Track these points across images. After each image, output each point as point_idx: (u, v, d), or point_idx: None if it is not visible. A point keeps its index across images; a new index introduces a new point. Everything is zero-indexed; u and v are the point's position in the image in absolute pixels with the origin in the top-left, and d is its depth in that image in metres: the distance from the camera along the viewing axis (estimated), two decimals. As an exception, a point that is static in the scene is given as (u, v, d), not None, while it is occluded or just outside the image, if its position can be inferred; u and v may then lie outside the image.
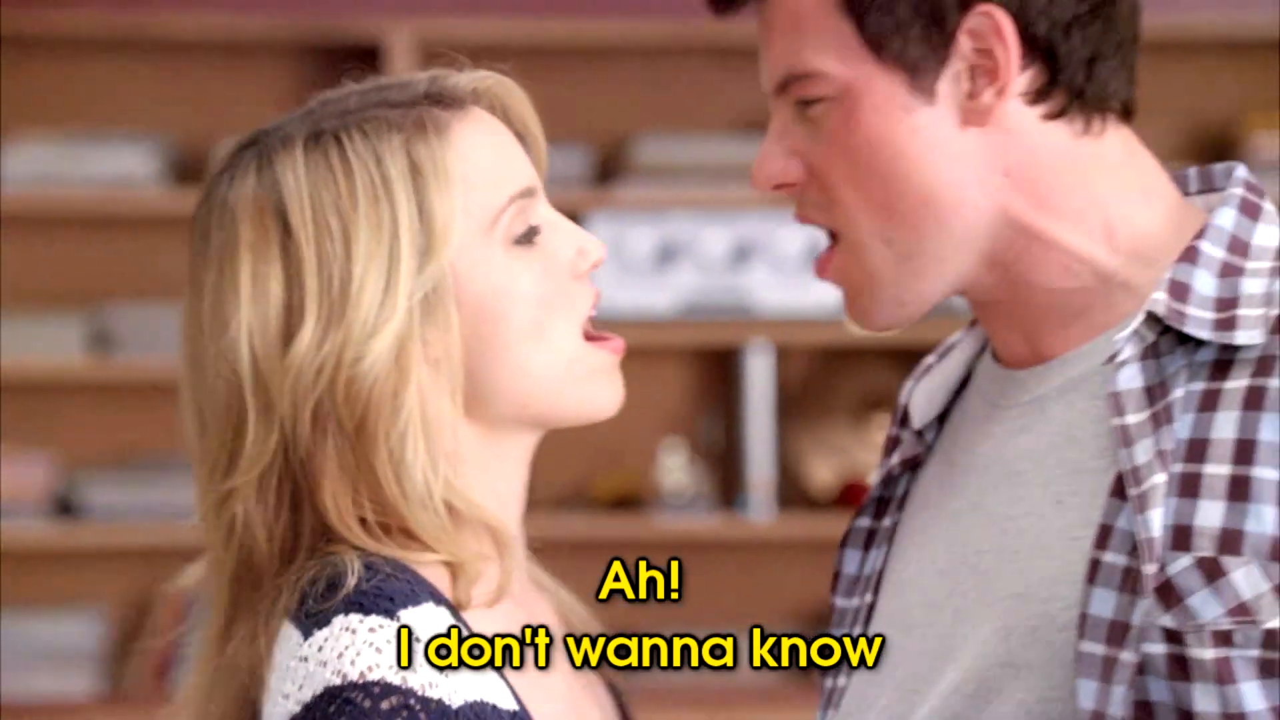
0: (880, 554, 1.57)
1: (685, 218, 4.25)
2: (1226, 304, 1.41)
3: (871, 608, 1.55)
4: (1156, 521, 1.35)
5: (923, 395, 1.58)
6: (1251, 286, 1.41)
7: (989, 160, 1.43)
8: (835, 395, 4.34)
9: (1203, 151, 4.26)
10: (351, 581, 1.31)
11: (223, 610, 1.40)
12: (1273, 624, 1.33)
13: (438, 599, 1.34)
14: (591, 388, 1.43)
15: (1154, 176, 1.49)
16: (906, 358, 4.36)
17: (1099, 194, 1.45)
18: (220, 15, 4.19)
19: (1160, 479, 1.36)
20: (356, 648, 1.28)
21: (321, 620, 1.30)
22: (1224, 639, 1.34)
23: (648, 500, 4.24)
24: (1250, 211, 1.46)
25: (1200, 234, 1.43)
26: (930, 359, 1.63)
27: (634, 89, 4.35)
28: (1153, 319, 1.40)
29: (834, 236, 1.48)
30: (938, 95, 1.42)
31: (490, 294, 1.39)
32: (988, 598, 1.44)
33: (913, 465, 1.58)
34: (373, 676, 1.27)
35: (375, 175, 1.37)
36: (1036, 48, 1.42)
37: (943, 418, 1.59)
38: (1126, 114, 1.47)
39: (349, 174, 1.37)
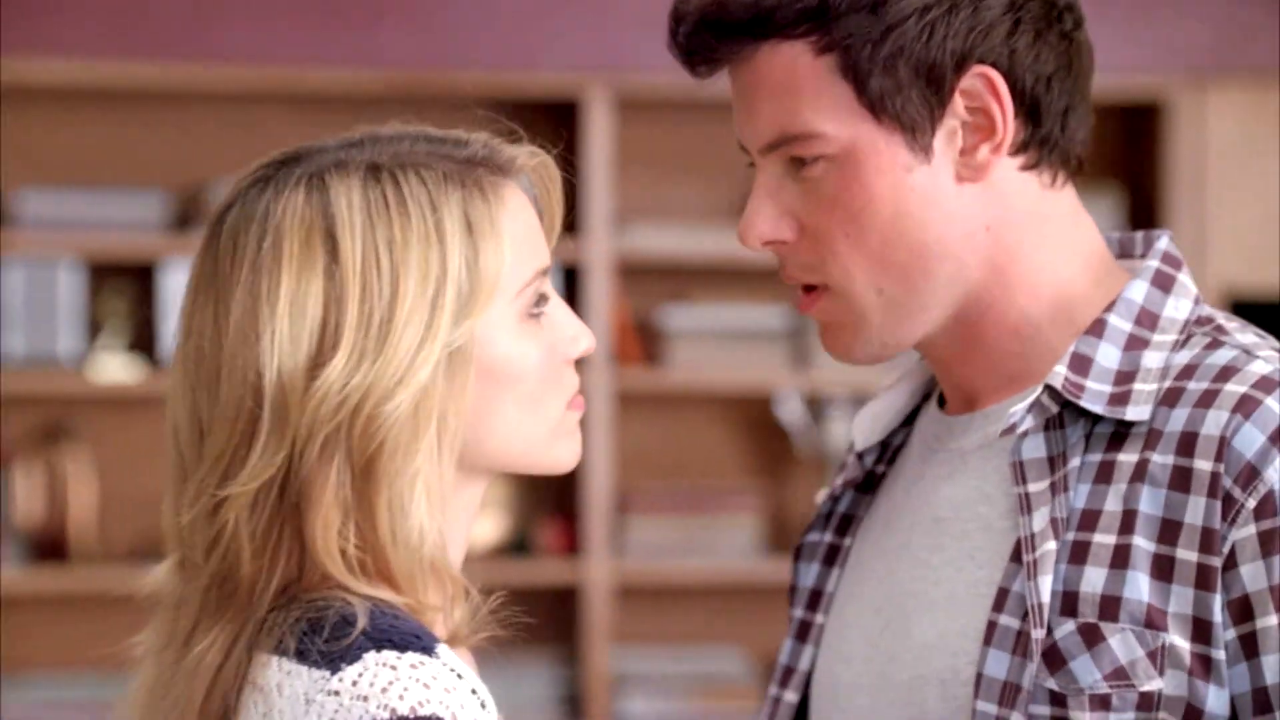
0: (838, 575, 1.60)
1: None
2: (1125, 378, 1.46)
3: (811, 625, 1.60)
4: (1046, 587, 1.41)
5: (866, 418, 1.62)
6: (1151, 360, 1.47)
7: (977, 215, 1.48)
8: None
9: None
10: (364, 620, 1.32)
11: (191, 615, 1.39)
12: (1147, 687, 1.39)
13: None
14: (564, 446, 1.46)
15: (1093, 237, 1.53)
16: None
17: (1052, 253, 1.50)
18: None
19: (1051, 546, 1.42)
20: (403, 683, 1.28)
21: (349, 656, 1.30)
22: (1103, 703, 1.40)
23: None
24: (1163, 284, 1.50)
25: (1110, 306, 1.48)
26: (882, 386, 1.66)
27: (211, 135, 4.30)
28: (1054, 390, 1.45)
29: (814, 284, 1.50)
30: (934, 153, 1.46)
31: (502, 360, 1.41)
32: (908, 643, 1.50)
33: (855, 486, 1.62)
34: (424, 711, 1.28)
35: (430, 221, 1.38)
36: (1022, 101, 1.47)
37: (898, 450, 1.62)
38: (1079, 167, 1.52)
39: (404, 215, 1.38)
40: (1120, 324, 1.48)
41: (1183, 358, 1.46)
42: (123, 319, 4.25)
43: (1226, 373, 1.44)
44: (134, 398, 4.21)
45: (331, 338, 1.36)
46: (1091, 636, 1.41)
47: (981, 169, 1.47)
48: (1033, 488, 1.45)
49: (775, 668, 1.63)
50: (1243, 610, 1.39)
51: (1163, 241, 1.54)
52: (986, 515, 1.49)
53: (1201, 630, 1.39)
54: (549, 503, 4.44)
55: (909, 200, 1.46)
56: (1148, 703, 1.39)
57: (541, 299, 1.44)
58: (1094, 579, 1.41)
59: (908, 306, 1.48)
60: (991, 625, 1.44)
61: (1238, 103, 4.29)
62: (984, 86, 1.45)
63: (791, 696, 1.59)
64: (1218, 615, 1.39)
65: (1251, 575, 1.39)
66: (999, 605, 1.44)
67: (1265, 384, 1.42)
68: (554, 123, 4.31)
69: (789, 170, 1.48)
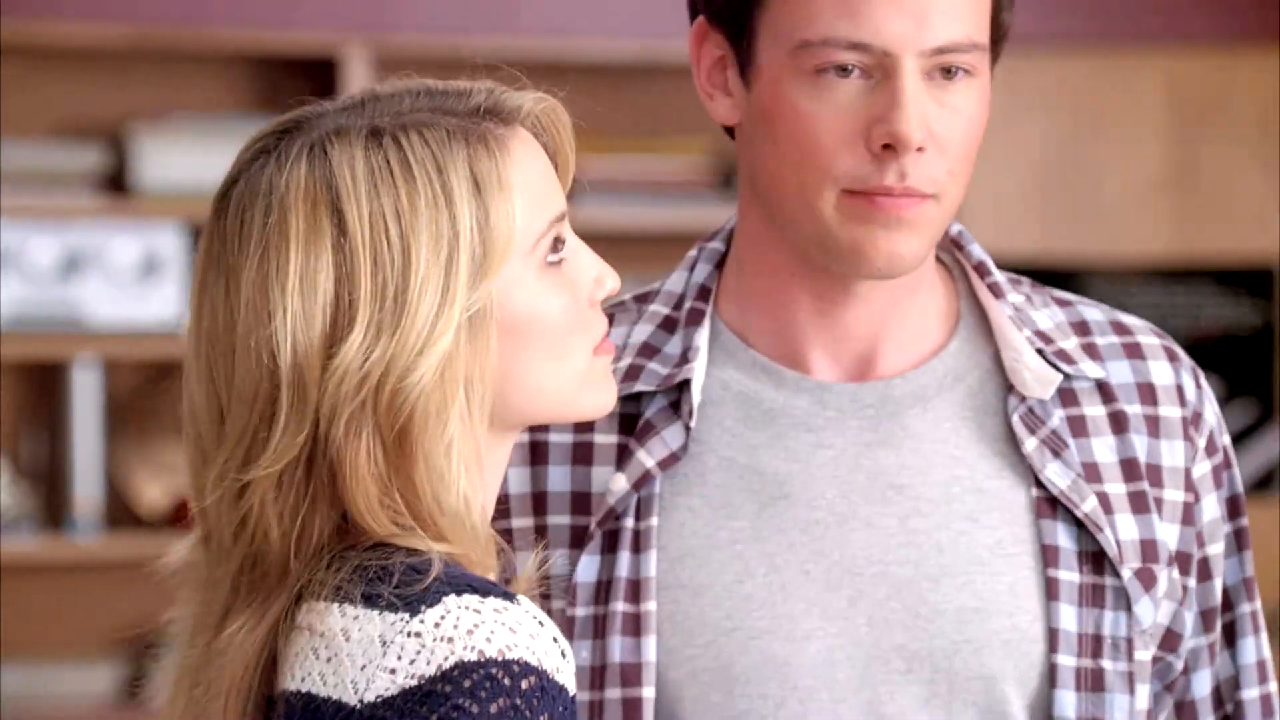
0: (653, 558, 1.52)
1: (11, 226, 4.08)
2: (1043, 336, 1.55)
3: (644, 615, 1.51)
4: (1112, 536, 1.50)
5: (696, 392, 1.54)
6: (1042, 319, 1.56)
7: None
8: (166, 412, 4.24)
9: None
10: (440, 566, 1.32)
11: (222, 600, 1.38)
12: (1160, 619, 1.52)
13: None
14: (592, 395, 1.44)
15: None
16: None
17: None
18: None
19: (1093, 497, 1.51)
20: (489, 626, 1.29)
21: (428, 599, 1.30)
22: (1154, 639, 1.52)
23: (-34, 522, 4.05)
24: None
25: (979, 267, 1.57)
26: (653, 364, 1.58)
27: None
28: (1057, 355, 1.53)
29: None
30: None
31: (523, 316, 1.39)
32: (925, 610, 1.49)
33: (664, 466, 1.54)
34: (512, 655, 1.28)
35: (437, 184, 1.35)
36: None
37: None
38: None
39: (410, 179, 1.35)
40: (1000, 280, 1.58)
41: (1057, 315, 1.57)
42: None
43: (1121, 327, 1.58)
44: None
45: (346, 313, 1.34)
46: (1148, 579, 1.51)
47: None
48: (1027, 447, 1.51)
49: (591, 671, 1.53)
50: (1200, 539, 1.55)
51: None
52: (968, 478, 1.51)
53: (1185, 562, 1.54)
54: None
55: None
56: (1159, 633, 1.53)
57: (559, 244, 1.41)
58: (1126, 526, 1.51)
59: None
60: (1053, 581, 1.49)
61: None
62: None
63: (649, 692, 1.52)
64: (1193, 546, 1.54)
65: (1208, 506, 1.56)
66: (1052, 561, 1.50)
67: (1160, 334, 1.59)
68: (311, 82, 4.23)
69: (929, 80, 1.47)
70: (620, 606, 1.52)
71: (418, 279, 1.34)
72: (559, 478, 1.57)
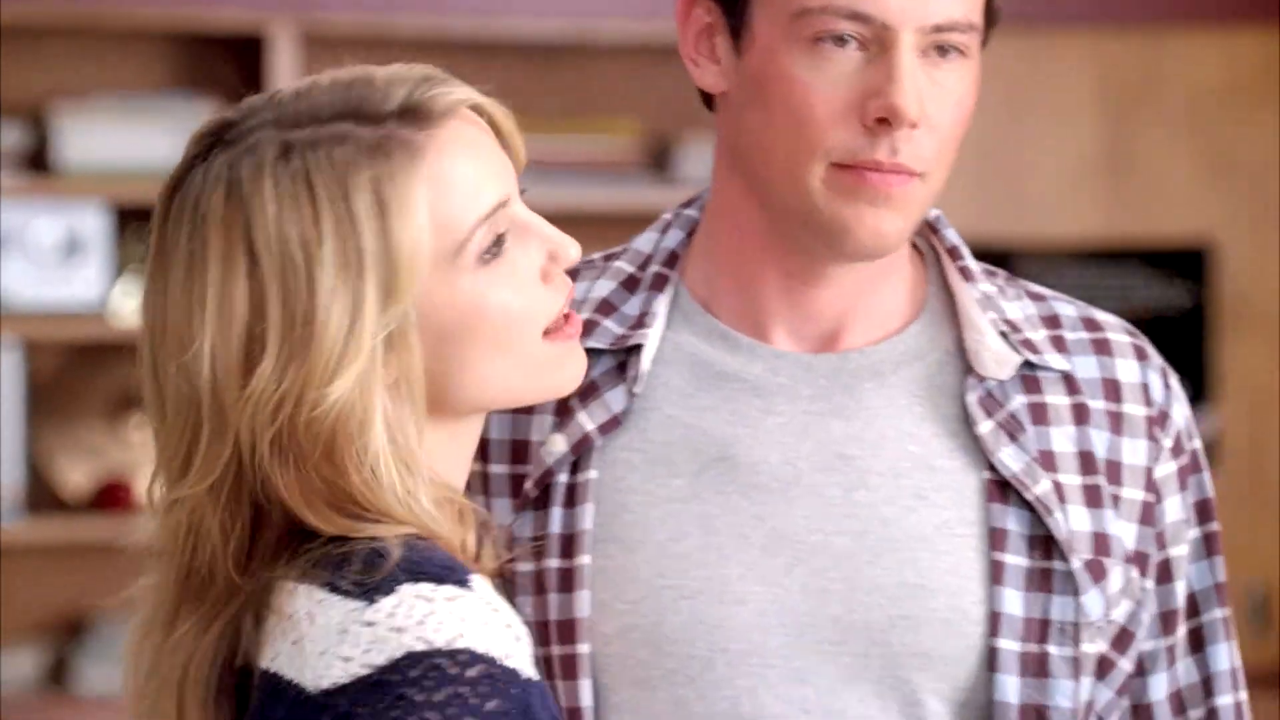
0: (590, 510, 1.51)
1: (-70, 206, 4.03)
2: (1011, 325, 1.54)
3: (576, 570, 1.50)
4: (1063, 522, 1.49)
5: (646, 358, 1.54)
6: (1013, 310, 1.55)
7: None
8: (89, 394, 4.20)
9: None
10: (399, 552, 1.33)
11: (171, 602, 1.40)
12: (1115, 616, 1.51)
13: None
14: (553, 375, 1.44)
15: None
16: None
17: None
18: None
19: (1047, 484, 1.50)
20: (439, 615, 1.31)
21: (384, 588, 1.32)
22: (1102, 634, 1.51)
23: (-114, 506, 4.00)
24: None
25: (953, 251, 1.56)
26: (608, 323, 1.56)
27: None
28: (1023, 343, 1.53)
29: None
30: None
31: (456, 318, 1.39)
32: (863, 583, 1.48)
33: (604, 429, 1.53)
34: (460, 644, 1.30)
35: (341, 208, 1.35)
36: None
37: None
38: None
39: (315, 205, 1.35)
40: (971, 265, 1.57)
41: (1029, 308, 1.56)
42: None
43: (1093, 323, 1.57)
44: None
45: (259, 340, 1.35)
46: (1097, 571, 1.50)
47: None
48: (981, 429, 1.50)
49: (536, 626, 1.52)
50: (1160, 540, 1.54)
51: None
52: (920, 454, 1.50)
53: (1143, 562, 1.53)
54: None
55: None
56: (1114, 631, 1.52)
57: (498, 239, 1.40)
58: (1079, 517, 1.50)
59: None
60: (998, 564, 1.48)
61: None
62: None
63: (584, 648, 1.51)
64: (1152, 547, 1.54)
65: (1171, 508, 1.55)
66: (1000, 545, 1.49)
67: (1133, 333, 1.58)
68: (237, 61, 4.18)
69: (923, 57, 1.47)
70: (554, 563, 1.52)
71: (323, 306, 1.34)
72: (498, 425, 1.56)
